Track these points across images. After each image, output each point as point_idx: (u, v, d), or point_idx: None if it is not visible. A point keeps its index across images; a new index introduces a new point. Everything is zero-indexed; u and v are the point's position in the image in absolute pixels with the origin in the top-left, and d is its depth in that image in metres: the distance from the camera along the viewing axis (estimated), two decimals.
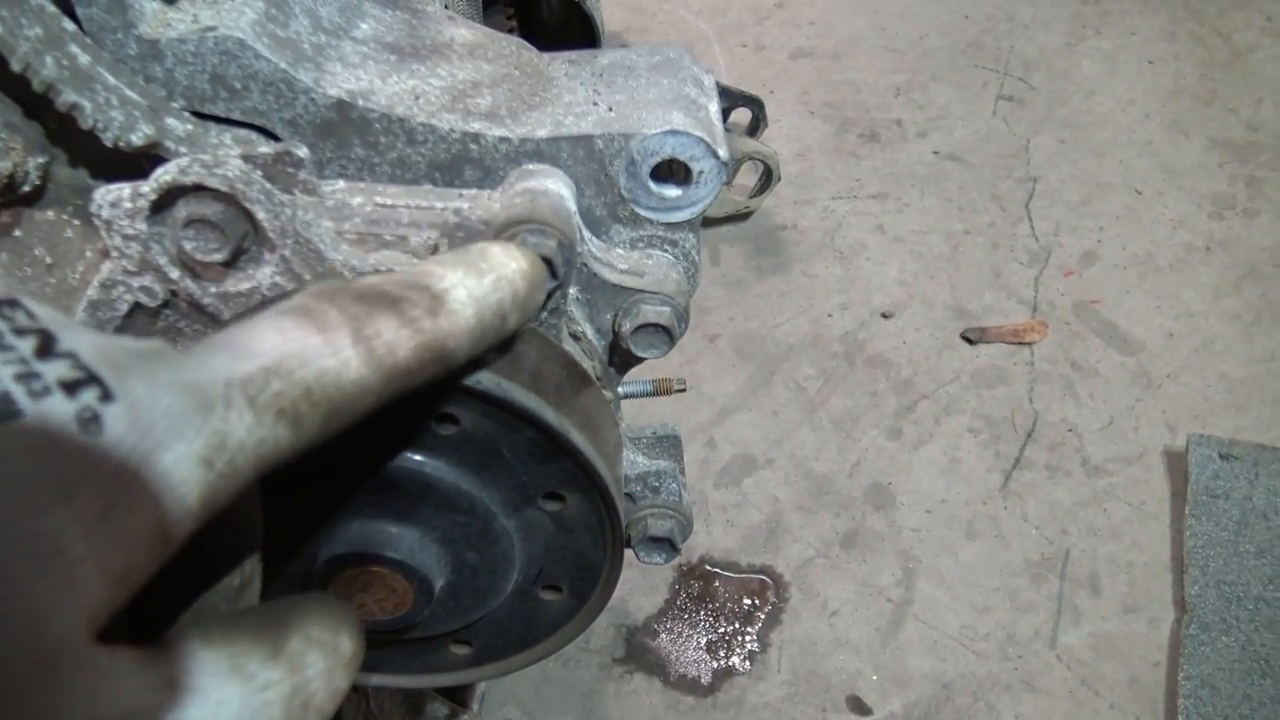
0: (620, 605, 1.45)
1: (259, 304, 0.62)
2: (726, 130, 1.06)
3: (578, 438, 0.58)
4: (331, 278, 0.61)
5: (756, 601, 1.41)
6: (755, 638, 1.38)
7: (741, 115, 1.74)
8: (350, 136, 0.64)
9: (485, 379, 0.55)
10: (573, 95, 0.68)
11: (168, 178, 0.56)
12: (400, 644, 0.71)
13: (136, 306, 0.63)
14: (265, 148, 0.61)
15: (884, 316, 1.69)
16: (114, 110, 0.57)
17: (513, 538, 0.63)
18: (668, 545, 0.74)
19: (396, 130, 0.64)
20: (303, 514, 0.60)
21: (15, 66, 0.54)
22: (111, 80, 0.58)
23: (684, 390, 0.86)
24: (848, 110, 2.06)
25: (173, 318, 0.64)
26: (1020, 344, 1.64)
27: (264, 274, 0.61)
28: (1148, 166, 1.90)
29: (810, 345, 1.66)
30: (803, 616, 1.39)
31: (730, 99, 1.71)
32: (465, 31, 0.74)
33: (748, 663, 1.36)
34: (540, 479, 0.60)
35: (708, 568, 1.44)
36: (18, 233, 0.63)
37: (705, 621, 1.40)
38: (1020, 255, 1.77)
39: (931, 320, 1.68)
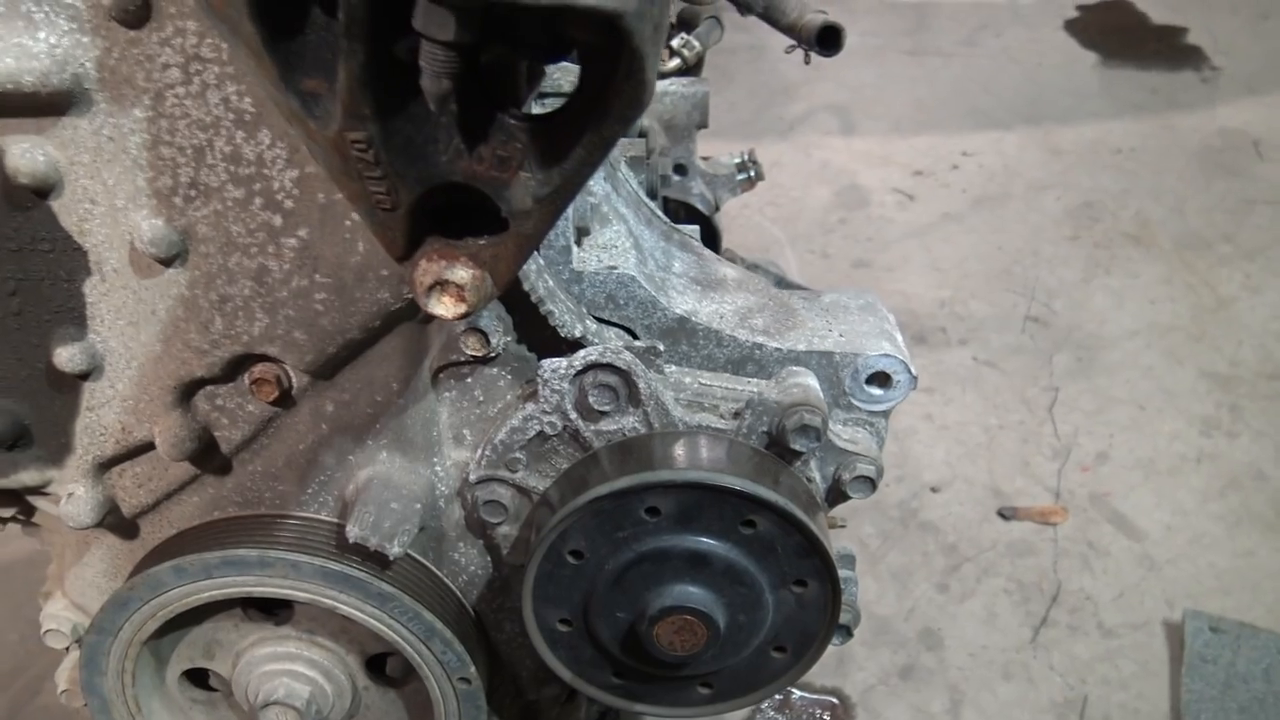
0: None
1: (622, 442, 0.96)
2: None
3: (827, 545, 0.92)
4: (672, 430, 0.95)
5: (828, 716, 1.70)
6: None
7: None
8: (681, 339, 1.00)
9: (781, 500, 0.89)
10: (813, 323, 1.04)
11: (592, 357, 0.92)
12: (662, 681, 1.02)
13: (539, 434, 0.97)
14: (638, 342, 0.96)
15: (932, 490, 2.04)
16: (566, 314, 0.93)
17: (769, 609, 0.95)
18: (846, 631, 1.06)
19: (711, 338, 1.00)
20: (641, 578, 0.93)
21: (525, 288, 0.90)
22: (562, 296, 0.94)
23: (844, 526, 1.19)
24: (900, 316, 2.47)
25: (557, 443, 0.98)
26: (1046, 524, 1.98)
27: (628, 421, 0.96)
28: (1149, 387, 2.30)
29: (872, 509, 2.00)
30: None
31: None
32: (730, 270, 1.12)
33: None
34: (796, 569, 0.94)
35: None
36: (469, 379, 0.98)
37: None
38: (1045, 450, 2.14)
39: (972, 497, 2.03)
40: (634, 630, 0.95)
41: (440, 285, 0.74)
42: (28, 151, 0.78)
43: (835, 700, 1.72)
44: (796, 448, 0.93)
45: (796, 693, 1.73)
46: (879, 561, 1.91)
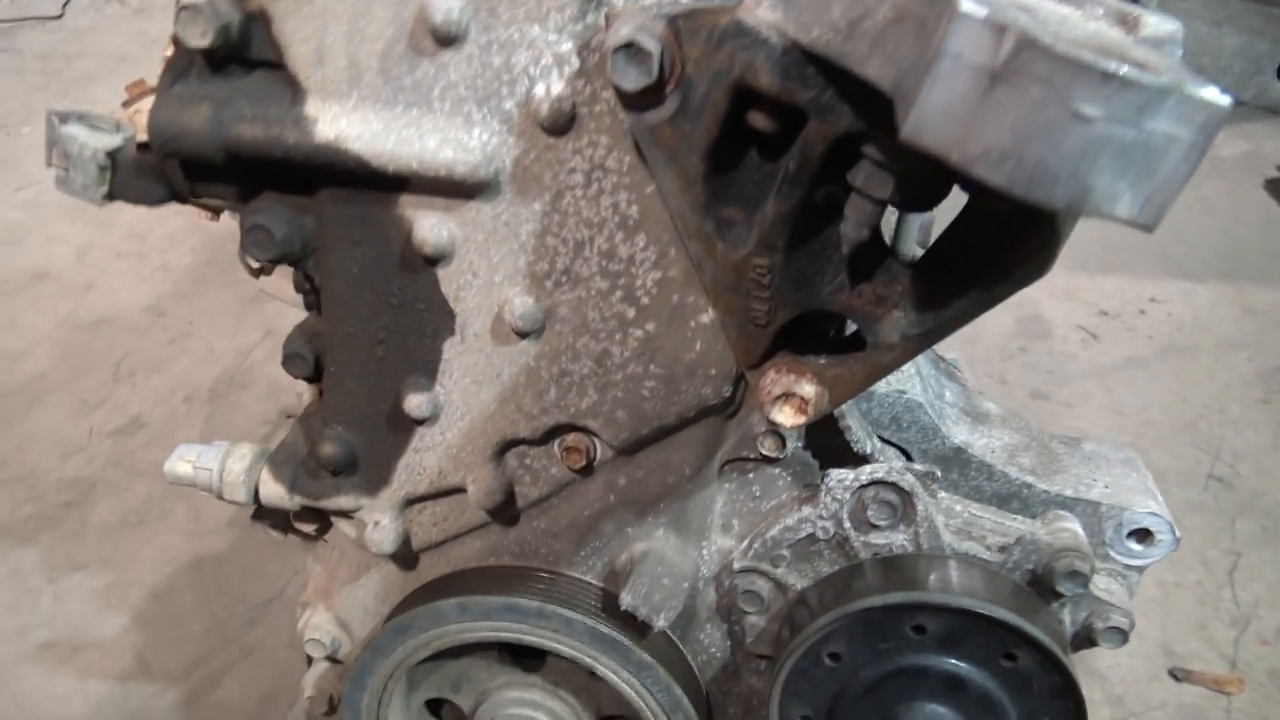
0: None
1: (889, 558, 1.01)
2: None
3: (1082, 691, 0.95)
4: (940, 555, 1.00)
5: None
6: None
7: None
8: (954, 468, 1.05)
9: (1049, 640, 0.93)
10: (1077, 470, 1.08)
11: (879, 474, 0.98)
12: None
13: (809, 536, 1.02)
14: (918, 466, 1.02)
15: None
16: (859, 431, 0.99)
17: None
18: None
19: (983, 471, 1.05)
20: (894, 691, 0.97)
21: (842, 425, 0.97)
22: (858, 414, 1.00)
23: None
24: None
25: (824, 548, 1.03)
26: (1221, 692, 1.94)
27: (898, 538, 1.01)
28: None
29: None
30: None
31: None
32: (992, 406, 1.17)
33: None
34: (1048, 709, 0.97)
35: None
36: (751, 475, 1.05)
37: None
38: (1223, 616, 2.09)
39: (1143, 651, 1.99)
40: None
41: (786, 396, 0.81)
42: (435, 226, 0.89)
43: None
44: (1061, 590, 0.97)
45: None
46: None
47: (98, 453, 2.63)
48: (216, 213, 0.96)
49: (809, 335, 0.86)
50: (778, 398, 0.82)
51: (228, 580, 2.30)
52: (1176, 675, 1.96)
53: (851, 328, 0.86)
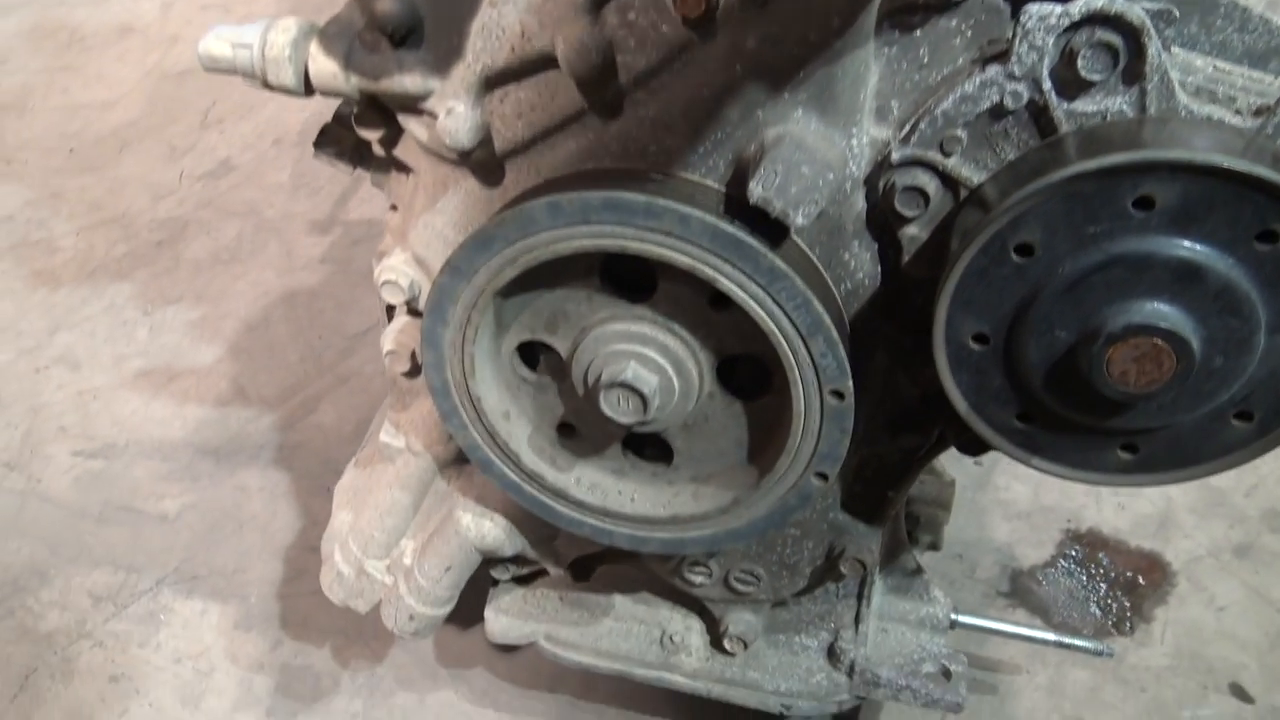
0: (1006, 549, 1.57)
1: (1095, 126, 0.78)
2: None
3: None
4: (1172, 117, 0.76)
5: (1142, 579, 1.50)
6: (1137, 608, 1.47)
7: None
8: (1193, 14, 0.79)
9: None
10: None
11: (1097, 4, 0.73)
12: (1070, 435, 0.85)
13: (995, 106, 0.79)
14: (1149, 2, 0.76)
15: None
16: None
17: (1256, 356, 0.76)
18: None
19: (1233, 19, 0.79)
20: (1104, 288, 0.75)
21: None
22: None
23: None
24: None
25: (1011, 125, 0.80)
26: None
27: (1115, 102, 0.77)
28: None
29: None
30: (1188, 603, 1.47)
31: None
32: None
33: (1129, 626, 1.45)
34: None
35: (1096, 536, 1.55)
36: (918, 34, 0.81)
37: (1089, 581, 1.51)
38: None
39: None
40: (1074, 354, 0.78)
41: None
42: None
43: (1153, 560, 1.52)
44: None
45: (1108, 545, 1.54)
46: None
47: (188, 195, 2.54)
48: None
49: None
50: None
51: (322, 313, 2.21)
52: None
53: None
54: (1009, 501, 1.61)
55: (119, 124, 2.79)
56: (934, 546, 1.37)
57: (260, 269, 2.31)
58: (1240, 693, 1.37)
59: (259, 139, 2.71)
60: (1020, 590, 1.50)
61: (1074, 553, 1.54)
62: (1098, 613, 1.47)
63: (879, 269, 0.91)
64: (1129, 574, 1.51)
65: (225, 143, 2.71)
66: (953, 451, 1.01)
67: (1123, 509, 1.58)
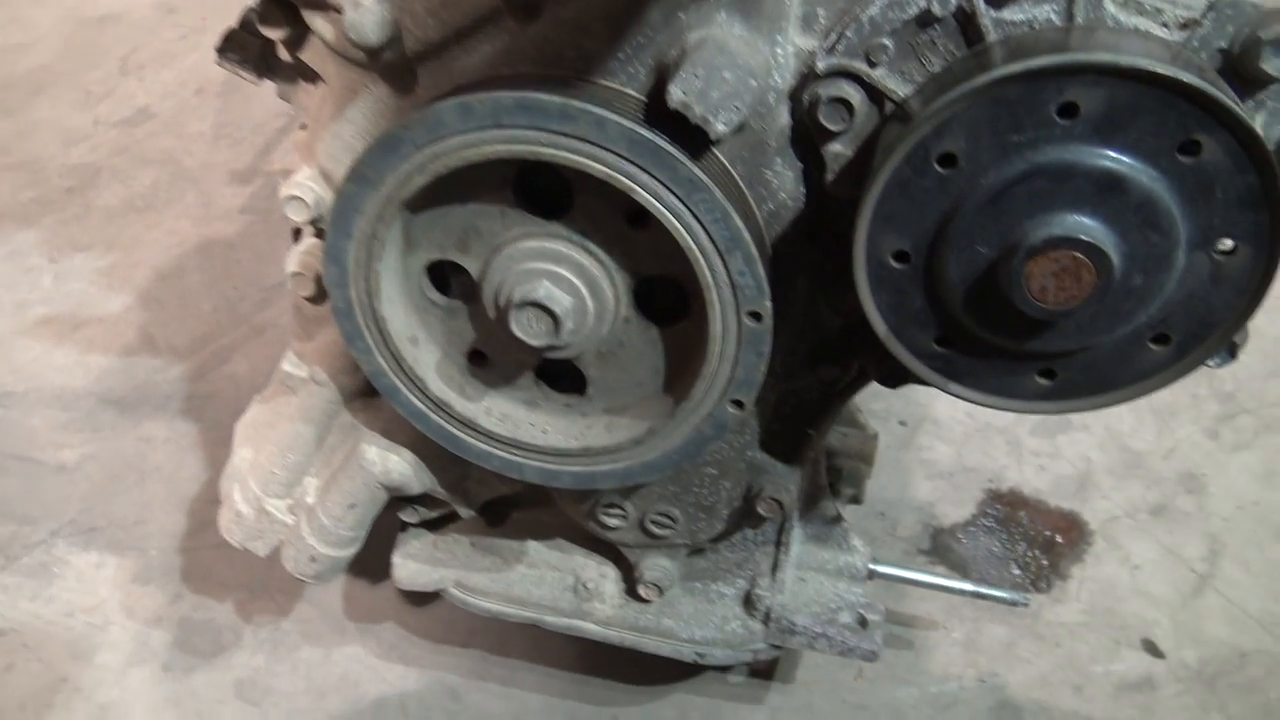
0: (928, 508, 1.56)
1: (1023, 36, 0.76)
2: None
3: None
4: (1099, 26, 0.74)
5: (1060, 538, 1.51)
6: (1054, 566, 1.48)
7: None
8: None
9: (1249, 120, 0.68)
10: None
11: None
12: (989, 360, 0.84)
13: (922, 14, 0.77)
14: None
15: None
16: None
17: (1175, 275, 0.75)
18: (1232, 350, 0.84)
19: None
20: (1026, 200, 0.74)
21: None
22: None
23: None
24: None
25: (938, 34, 0.78)
26: None
27: (1041, 11, 0.76)
28: None
29: None
30: (1104, 561, 1.48)
31: None
32: None
33: (1045, 585, 1.46)
34: (1230, 224, 0.73)
35: (1016, 496, 1.55)
36: None
37: (1008, 540, 1.51)
38: None
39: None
40: (994, 271, 0.76)
41: None
42: None
43: (1070, 520, 1.52)
44: (1269, 71, 0.71)
45: (1027, 505, 1.54)
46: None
47: (103, 141, 2.43)
48: None
49: None
50: None
51: (239, 263, 2.13)
52: None
53: None
54: (932, 461, 1.60)
55: (33, 67, 2.67)
56: (856, 500, 1.36)
57: (176, 218, 2.22)
58: (1152, 648, 1.38)
59: (180, 87, 2.61)
60: (941, 548, 1.50)
61: (994, 512, 1.53)
62: (1017, 571, 1.47)
63: (802, 189, 0.89)
64: (1048, 533, 1.51)
65: (145, 90, 2.60)
66: (877, 410, 0.98)
67: (1043, 470, 1.58)
